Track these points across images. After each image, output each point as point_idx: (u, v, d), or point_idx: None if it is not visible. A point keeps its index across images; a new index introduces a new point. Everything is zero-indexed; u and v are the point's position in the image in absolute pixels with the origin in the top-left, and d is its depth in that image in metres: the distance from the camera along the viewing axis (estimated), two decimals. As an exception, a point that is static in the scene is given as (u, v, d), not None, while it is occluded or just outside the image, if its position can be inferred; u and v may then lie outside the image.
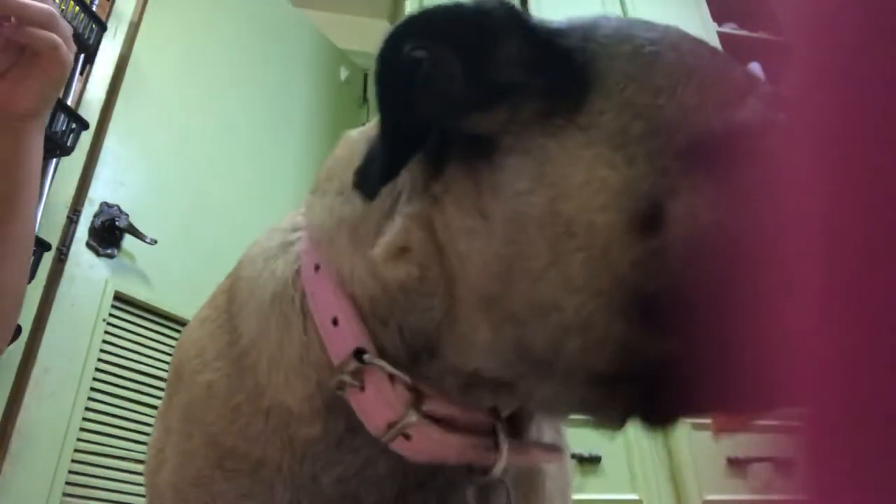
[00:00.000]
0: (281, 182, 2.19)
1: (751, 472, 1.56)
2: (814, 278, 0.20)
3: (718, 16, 2.74)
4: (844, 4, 0.20)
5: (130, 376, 1.61)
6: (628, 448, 1.62)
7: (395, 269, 0.41)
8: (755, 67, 2.74)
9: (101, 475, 1.50)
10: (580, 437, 1.54)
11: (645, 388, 0.39)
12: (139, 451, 1.55)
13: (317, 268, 0.45)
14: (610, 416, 0.41)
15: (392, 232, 0.42)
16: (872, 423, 0.18)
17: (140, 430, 1.58)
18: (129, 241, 1.72)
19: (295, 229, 0.51)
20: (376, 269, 0.42)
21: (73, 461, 1.46)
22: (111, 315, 1.62)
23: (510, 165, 0.38)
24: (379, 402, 0.42)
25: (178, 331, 1.69)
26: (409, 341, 0.42)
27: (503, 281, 0.38)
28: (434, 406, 0.42)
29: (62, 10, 1.58)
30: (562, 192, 0.37)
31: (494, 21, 0.38)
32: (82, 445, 1.49)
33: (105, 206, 1.71)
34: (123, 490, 1.52)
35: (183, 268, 1.79)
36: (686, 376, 0.37)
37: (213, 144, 2.06)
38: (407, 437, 0.42)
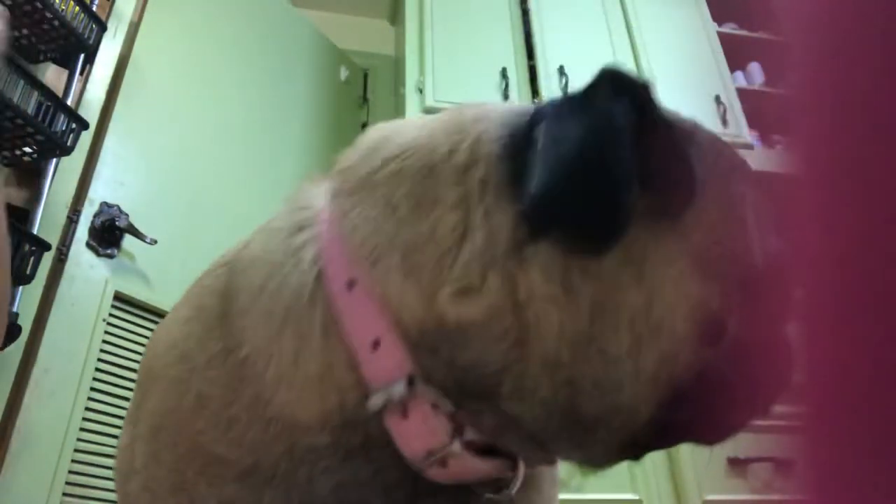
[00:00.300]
0: (281, 182, 2.19)
1: (751, 472, 1.55)
2: (816, 284, 0.20)
3: (718, 16, 2.73)
4: (844, 5, 0.20)
5: (130, 376, 1.61)
6: None
7: (460, 307, 0.41)
8: (755, 67, 2.74)
9: (101, 475, 1.50)
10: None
11: (656, 444, 0.46)
12: (139, 451, 1.55)
13: (350, 284, 0.43)
14: (613, 463, 0.47)
15: (464, 272, 0.41)
16: (871, 424, 0.18)
17: (140, 430, 1.58)
18: (129, 241, 1.72)
19: (300, 228, 0.48)
20: (436, 304, 0.41)
21: (73, 461, 1.46)
22: (111, 315, 1.62)
23: (615, 256, 0.40)
24: (423, 430, 0.42)
25: (178, 331, 1.69)
26: (458, 375, 0.42)
27: (577, 353, 0.40)
28: (471, 436, 0.43)
29: (62, 10, 1.58)
30: (659, 296, 0.40)
31: (646, 118, 0.41)
32: (82, 445, 1.49)
33: (105, 206, 1.71)
34: (123, 490, 1.52)
35: (183, 268, 1.79)
36: (684, 432, 0.46)
37: (213, 144, 2.06)
38: (444, 464, 0.42)
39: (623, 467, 1.59)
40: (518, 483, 0.45)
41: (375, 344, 0.42)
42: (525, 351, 0.41)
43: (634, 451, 0.46)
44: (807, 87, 0.21)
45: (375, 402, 0.42)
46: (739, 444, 1.53)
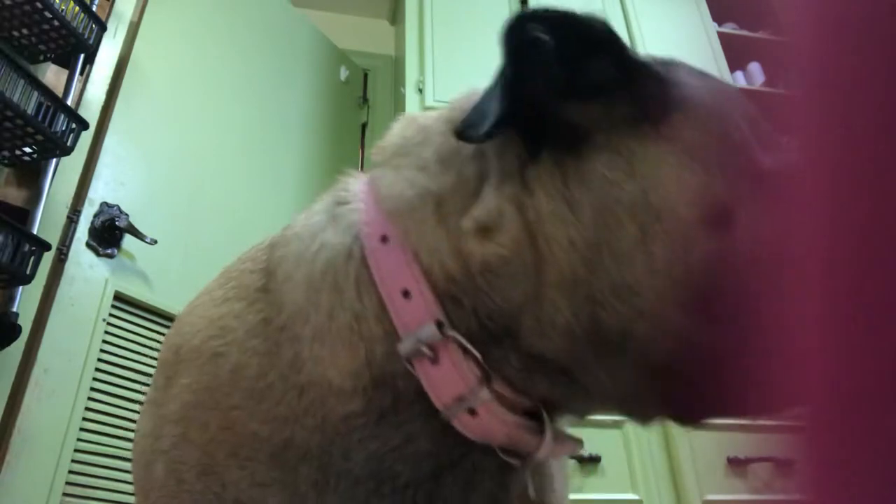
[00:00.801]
0: (281, 182, 2.19)
1: (751, 472, 1.56)
2: (817, 283, 0.20)
3: (718, 16, 2.73)
4: (844, 6, 0.20)
5: (130, 376, 1.61)
6: (628, 448, 1.62)
7: (485, 246, 0.44)
8: (755, 67, 2.74)
9: (101, 475, 1.50)
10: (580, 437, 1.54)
11: (685, 385, 0.43)
12: (139, 451, 1.55)
13: (383, 239, 0.46)
14: (646, 411, 0.46)
15: (485, 207, 0.44)
16: (871, 424, 0.18)
17: (140, 430, 1.58)
18: (128, 241, 1.72)
19: (339, 203, 0.51)
20: (462, 245, 0.44)
21: (73, 461, 1.46)
22: (111, 315, 1.62)
23: (601, 160, 0.43)
24: (452, 376, 0.43)
25: (178, 331, 1.69)
26: (483, 322, 0.44)
27: (590, 264, 0.42)
28: (498, 387, 0.44)
29: (62, 10, 1.58)
30: (653, 184, 0.42)
31: (600, 33, 0.45)
32: (82, 445, 1.49)
33: (105, 206, 1.71)
34: (123, 490, 1.52)
35: (183, 268, 1.79)
36: (721, 377, 0.42)
37: (213, 144, 2.06)
38: (473, 413, 0.43)
39: (623, 467, 1.59)
40: (547, 448, 0.45)
41: (405, 293, 0.44)
42: (542, 279, 0.43)
43: (672, 391, 0.43)
44: (810, 86, 0.21)
45: (405, 345, 0.43)
46: (739, 444, 1.53)
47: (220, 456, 0.48)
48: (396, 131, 0.53)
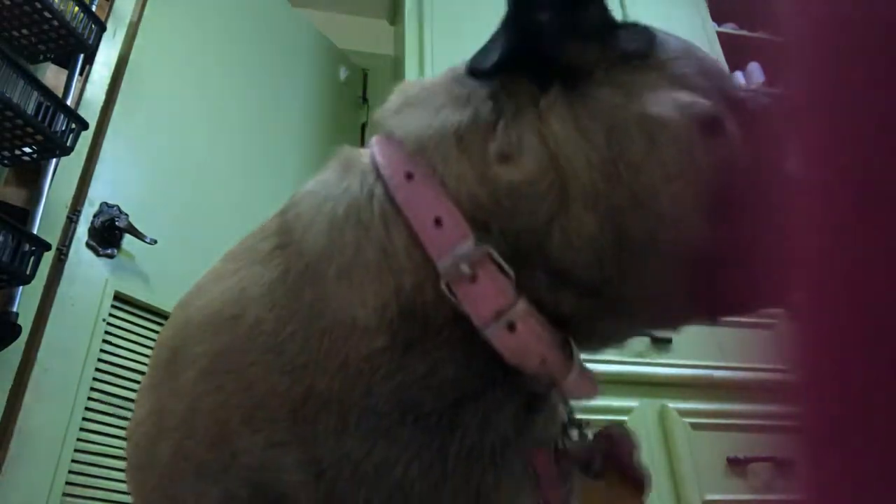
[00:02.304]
0: (281, 181, 2.19)
1: (751, 472, 1.56)
2: (812, 286, 0.20)
3: (718, 16, 2.74)
4: (844, 7, 0.20)
5: (130, 376, 1.61)
6: None
7: (510, 171, 0.46)
8: (755, 68, 2.74)
9: (101, 475, 1.50)
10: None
11: (707, 281, 0.48)
12: (139, 451, 1.55)
13: (408, 176, 0.48)
14: (671, 314, 0.51)
15: (506, 137, 0.47)
16: (871, 423, 0.18)
17: (140, 430, 1.58)
18: (128, 240, 1.72)
19: (350, 158, 0.54)
20: (487, 172, 0.47)
21: (73, 461, 1.46)
22: (111, 315, 1.62)
23: (604, 92, 0.48)
24: (491, 290, 0.45)
25: (177, 331, 1.69)
26: (511, 243, 0.46)
27: (610, 178, 0.46)
28: (533, 306, 0.46)
29: (62, 11, 1.58)
30: (652, 101, 0.48)
31: None
32: (82, 445, 1.49)
33: (105, 206, 1.71)
34: (123, 490, 1.52)
35: (183, 268, 1.79)
36: (737, 271, 0.47)
37: (212, 144, 2.06)
38: (512, 328, 0.45)
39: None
40: (573, 377, 0.47)
41: (437, 221, 0.46)
42: (567, 195, 0.46)
43: (695, 289, 0.48)
44: (808, 86, 0.21)
45: (444, 265, 0.45)
46: (739, 444, 1.53)
47: (233, 423, 0.48)
48: (398, 93, 0.55)
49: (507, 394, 0.48)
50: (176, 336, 0.53)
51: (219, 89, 2.15)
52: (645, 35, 0.52)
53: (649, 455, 1.46)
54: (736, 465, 1.48)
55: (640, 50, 0.51)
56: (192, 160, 1.98)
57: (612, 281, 0.46)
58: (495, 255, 0.45)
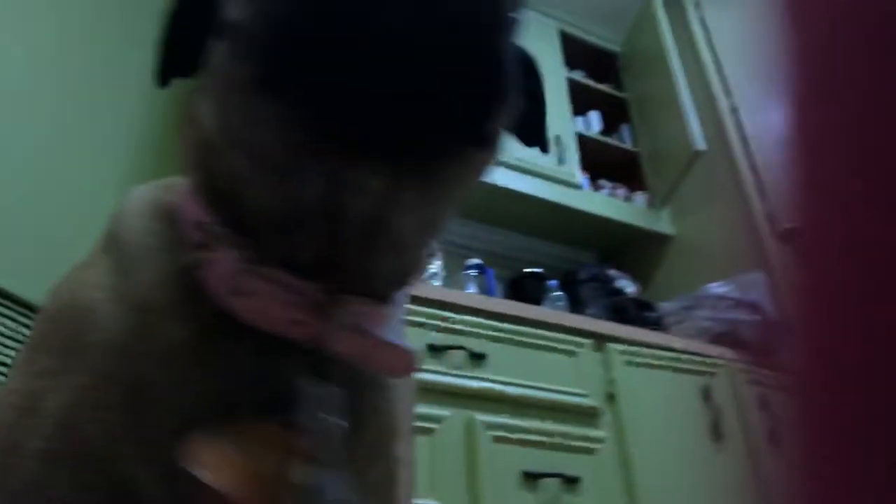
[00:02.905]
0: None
1: (541, 487, 1.65)
2: (810, 285, 0.20)
3: (571, 62, 2.91)
4: (844, 11, 0.21)
5: None
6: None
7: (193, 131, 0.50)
8: (595, 116, 2.95)
9: None
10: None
11: None
12: None
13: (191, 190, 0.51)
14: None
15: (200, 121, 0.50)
16: (870, 419, 0.19)
17: None
18: None
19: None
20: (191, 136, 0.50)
21: None
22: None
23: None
24: (219, 262, 0.46)
25: None
26: (222, 187, 0.47)
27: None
28: (264, 270, 0.46)
29: None
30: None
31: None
32: None
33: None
34: None
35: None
36: None
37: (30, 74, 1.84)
38: (250, 295, 0.45)
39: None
40: (344, 339, 0.47)
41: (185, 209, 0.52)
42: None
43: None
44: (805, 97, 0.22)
45: (191, 252, 0.48)
46: (533, 459, 1.62)
47: (83, 408, 0.45)
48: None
49: (301, 357, 0.47)
50: (44, 317, 0.52)
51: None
52: None
53: (452, 464, 1.51)
54: (530, 479, 1.57)
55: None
56: None
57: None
58: (215, 228, 0.47)
